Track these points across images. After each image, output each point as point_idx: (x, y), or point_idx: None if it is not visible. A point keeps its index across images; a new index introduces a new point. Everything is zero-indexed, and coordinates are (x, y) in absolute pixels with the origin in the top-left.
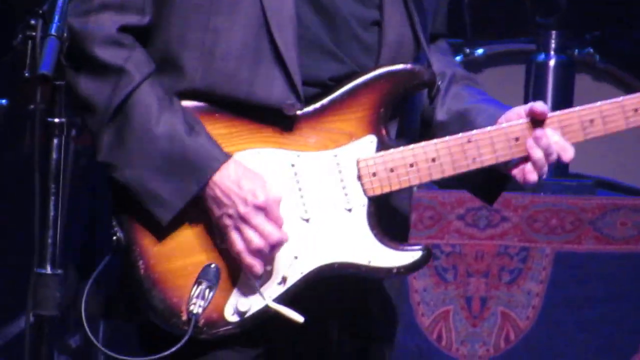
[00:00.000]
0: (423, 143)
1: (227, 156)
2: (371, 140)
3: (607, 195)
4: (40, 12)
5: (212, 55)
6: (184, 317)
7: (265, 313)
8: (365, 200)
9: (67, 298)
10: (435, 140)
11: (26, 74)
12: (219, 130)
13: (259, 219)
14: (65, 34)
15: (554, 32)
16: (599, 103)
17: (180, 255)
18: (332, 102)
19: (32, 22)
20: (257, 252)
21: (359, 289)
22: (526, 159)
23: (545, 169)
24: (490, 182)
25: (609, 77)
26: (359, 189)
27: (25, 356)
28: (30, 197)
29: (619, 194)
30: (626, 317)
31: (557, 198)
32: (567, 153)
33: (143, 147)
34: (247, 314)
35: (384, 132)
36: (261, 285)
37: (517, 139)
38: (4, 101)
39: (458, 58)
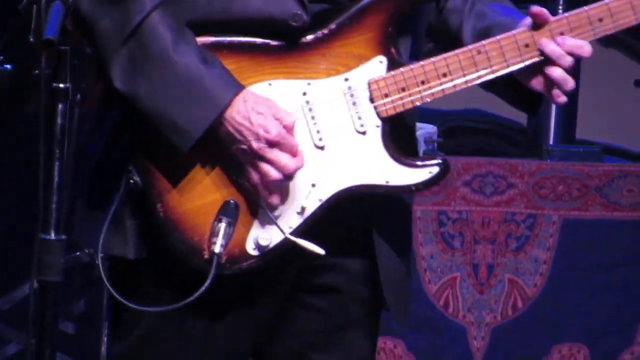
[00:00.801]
0: (433, 58)
1: (241, 85)
2: (381, 60)
3: (614, 161)
4: None
5: None
6: (206, 256)
7: (287, 244)
8: (378, 122)
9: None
10: (445, 55)
11: (31, 39)
12: (229, 65)
13: (273, 153)
14: None
15: None
16: (607, 0)
17: (198, 195)
18: (339, 27)
19: None
20: (274, 184)
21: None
22: (541, 66)
23: (568, 59)
24: (522, 95)
25: None
26: (372, 111)
27: (30, 322)
28: (34, 163)
29: (626, 160)
30: (633, 284)
31: (563, 164)
32: (584, 49)
33: (162, 73)
34: (269, 247)
35: (393, 51)
36: (280, 217)
37: (527, 45)
38: (8, 66)
39: None
